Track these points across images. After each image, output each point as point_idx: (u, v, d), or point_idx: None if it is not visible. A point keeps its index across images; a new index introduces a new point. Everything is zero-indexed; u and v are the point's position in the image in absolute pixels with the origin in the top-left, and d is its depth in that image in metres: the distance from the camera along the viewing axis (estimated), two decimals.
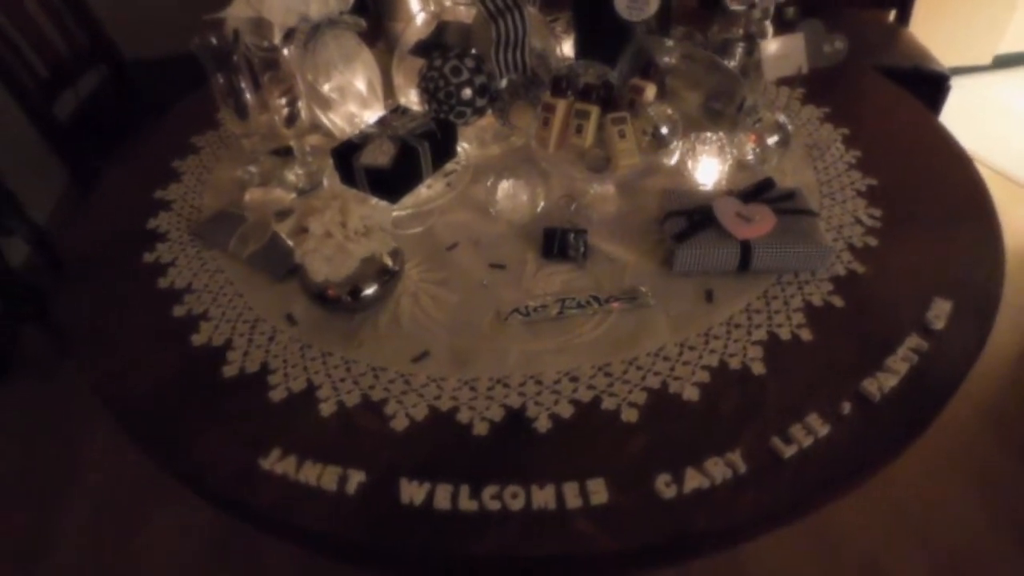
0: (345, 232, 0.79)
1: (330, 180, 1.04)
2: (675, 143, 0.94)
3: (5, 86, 1.77)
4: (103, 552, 1.46)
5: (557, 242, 0.92)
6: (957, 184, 1.02)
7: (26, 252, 2.11)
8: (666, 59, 1.04)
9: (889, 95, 1.23)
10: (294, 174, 1.08)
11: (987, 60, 2.65)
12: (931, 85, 1.87)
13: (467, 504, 0.68)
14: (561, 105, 0.93)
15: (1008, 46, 2.62)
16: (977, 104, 2.56)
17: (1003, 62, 2.67)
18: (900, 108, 1.20)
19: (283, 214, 0.92)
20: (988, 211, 0.97)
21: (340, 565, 0.81)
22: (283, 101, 1.04)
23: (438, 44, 1.02)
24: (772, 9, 1.04)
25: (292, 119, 1.05)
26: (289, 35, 1.03)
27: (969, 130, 2.33)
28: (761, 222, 0.88)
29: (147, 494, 1.55)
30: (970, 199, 0.99)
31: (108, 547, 1.47)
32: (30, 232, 2.00)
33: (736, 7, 1.03)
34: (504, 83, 1.01)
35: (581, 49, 1.11)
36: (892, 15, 2.11)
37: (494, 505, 0.68)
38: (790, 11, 1.22)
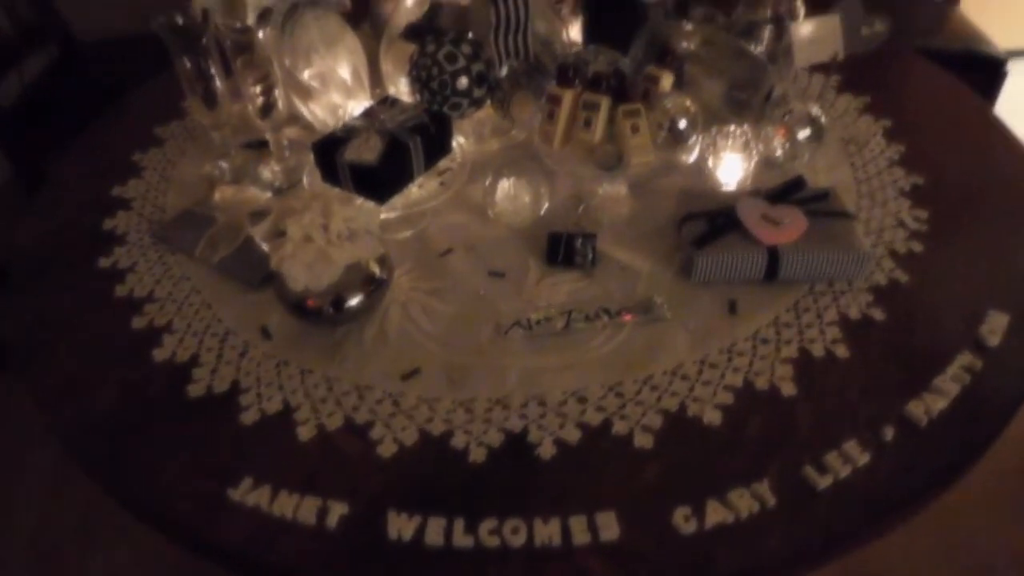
0: (327, 236, 0.81)
1: (310, 178, 1.06)
2: (694, 138, 0.96)
3: None
4: None
5: (563, 248, 0.93)
6: (1014, 182, 1.04)
7: None
8: (684, 44, 1.06)
9: (937, 82, 1.26)
10: (270, 171, 1.10)
11: None
12: (985, 70, 1.90)
13: (462, 540, 0.69)
14: (567, 96, 0.95)
15: None
16: None
17: None
18: (949, 97, 1.22)
19: (258, 215, 0.93)
20: None
21: None
22: (257, 89, 1.06)
23: (431, 27, 1.05)
24: None
25: (268, 109, 1.07)
26: (264, 15, 1.05)
27: None
28: (790, 226, 0.89)
29: (93, 535, 1.55)
30: None
31: None
32: None
33: None
34: (504, 71, 1.03)
35: (590, 33, 1.13)
36: None
37: (492, 541, 0.69)
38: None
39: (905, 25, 1.95)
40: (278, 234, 0.82)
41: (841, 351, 0.83)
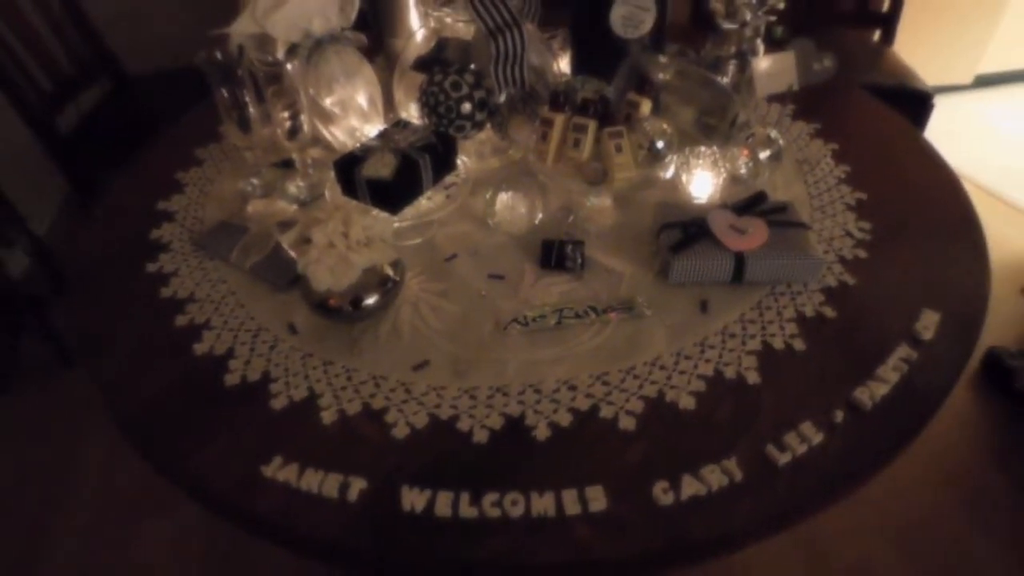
0: (347, 242, 0.79)
1: (331, 192, 1.04)
2: (670, 157, 0.94)
3: (8, 98, 1.77)
4: (96, 565, 1.44)
5: (555, 253, 0.92)
6: (943, 199, 1.03)
7: (25, 264, 2.09)
8: (660, 75, 1.04)
9: (876, 112, 1.25)
10: (295, 186, 1.08)
11: (969, 79, 2.68)
12: (915, 103, 1.89)
13: (467, 511, 0.67)
14: (559, 119, 0.94)
15: (988, 66, 2.66)
16: (960, 122, 2.59)
17: (984, 81, 2.70)
18: (887, 125, 1.21)
19: (285, 225, 0.91)
20: (974, 225, 0.98)
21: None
22: (286, 114, 1.04)
23: (438, 60, 1.03)
24: (763, 28, 1.05)
25: (294, 132, 1.05)
26: (292, 50, 1.04)
27: (952, 147, 2.34)
28: (754, 234, 0.88)
29: (141, 506, 1.53)
30: (956, 213, 1.00)
31: (102, 559, 1.45)
32: (30, 244, 2.00)
33: (728, 26, 1.04)
34: (503, 98, 1.02)
35: (578, 65, 1.12)
36: (877, 35, 2.14)
37: (494, 512, 0.67)
38: (779, 30, 1.23)
39: (848, 62, 1.95)
40: (304, 241, 0.80)
41: (798, 344, 0.82)
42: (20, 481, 1.62)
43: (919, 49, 2.32)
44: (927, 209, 1.01)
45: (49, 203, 2.41)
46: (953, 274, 0.90)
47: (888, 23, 2.07)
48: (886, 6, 2.07)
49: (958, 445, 1.58)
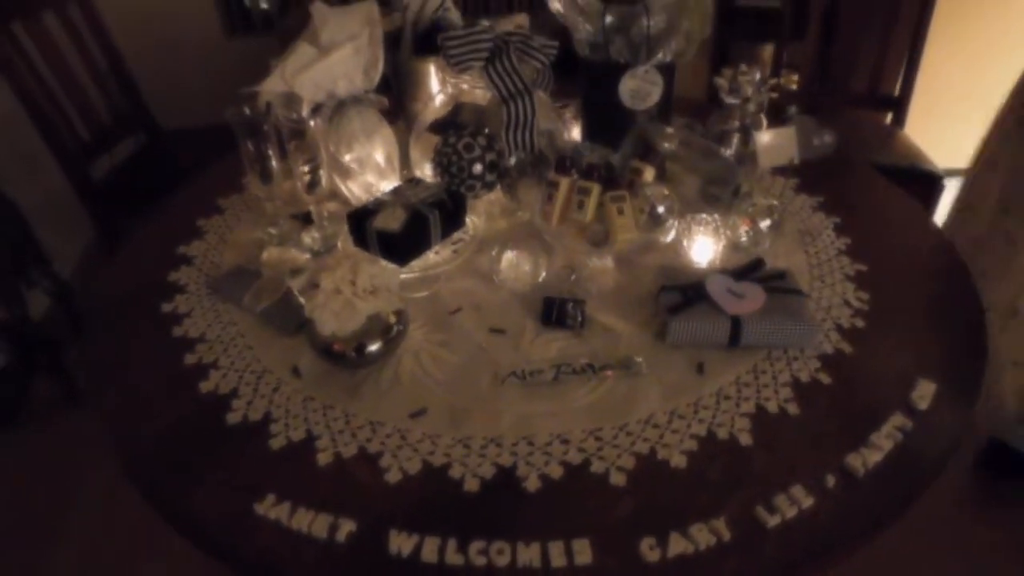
0: (354, 289, 0.83)
1: (344, 244, 1.09)
2: (671, 221, 0.98)
3: (48, 145, 1.87)
4: None
5: (556, 310, 0.95)
6: (941, 272, 1.05)
7: (47, 304, 2.16)
8: (666, 145, 1.09)
9: (879, 188, 1.28)
10: (311, 237, 1.13)
11: None
12: (925, 183, 1.93)
13: (453, 558, 0.68)
14: (564, 182, 0.98)
15: None
16: None
17: None
18: (890, 200, 1.25)
19: (297, 272, 0.96)
20: (973, 299, 0.99)
21: None
22: (306, 168, 1.10)
23: (453, 123, 1.09)
24: (765, 103, 1.11)
25: (313, 185, 1.11)
26: (317, 109, 1.10)
27: None
28: (751, 299, 0.91)
29: (136, 547, 1.53)
30: (956, 287, 1.02)
31: None
32: (53, 285, 2.07)
33: (731, 100, 1.09)
34: (513, 161, 1.07)
35: (588, 132, 1.17)
36: (889, 118, 2.20)
37: (480, 560, 0.68)
38: (791, 109, 1.29)
39: (859, 143, 2.02)
40: (313, 286, 0.84)
41: (792, 408, 0.83)
42: (18, 514, 1.63)
43: (931, 132, 2.37)
44: (925, 282, 1.04)
45: (75, 247, 2.50)
46: (951, 346, 0.92)
47: (899, 106, 2.14)
48: (897, 89, 2.13)
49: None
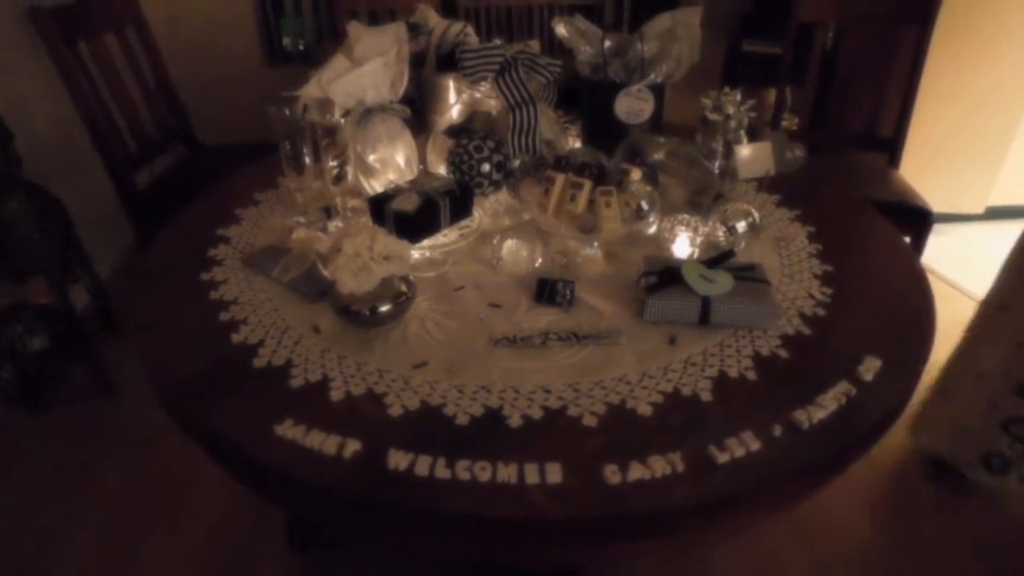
0: (371, 254, 0.97)
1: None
2: (653, 216, 1.11)
3: (99, 152, 2.06)
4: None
5: (547, 289, 1.08)
6: (904, 276, 1.17)
7: (86, 301, 2.32)
8: (656, 156, 1.24)
9: (853, 205, 1.41)
10: (335, 226, 1.28)
11: (980, 210, 2.85)
12: (916, 220, 2.05)
13: (442, 472, 0.80)
14: (560, 178, 1.12)
15: (999, 199, 2.83)
16: (970, 249, 2.74)
17: (996, 214, 2.86)
18: (863, 215, 1.37)
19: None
20: (927, 299, 1.11)
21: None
22: (335, 163, 1.26)
23: (466, 128, 1.24)
24: (746, 121, 1.25)
25: (339, 179, 1.26)
26: (347, 113, 1.27)
27: (962, 271, 2.50)
28: (720, 284, 1.03)
29: (145, 532, 1.64)
30: (912, 288, 1.13)
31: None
32: (92, 283, 2.24)
33: (713, 117, 1.23)
34: (517, 163, 1.21)
35: (586, 141, 1.32)
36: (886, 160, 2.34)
37: (465, 476, 0.80)
38: (796, 151, 1.40)
39: (853, 179, 2.15)
40: (336, 250, 0.98)
41: (751, 375, 0.95)
42: (40, 490, 1.75)
43: (928, 177, 2.51)
44: (886, 282, 1.15)
45: (115, 252, 2.68)
46: (899, 332, 1.03)
47: (893, 148, 2.27)
48: (892, 132, 2.27)
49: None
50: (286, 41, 3.03)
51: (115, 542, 1.62)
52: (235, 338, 1.03)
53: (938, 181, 2.64)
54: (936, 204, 2.08)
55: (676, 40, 1.23)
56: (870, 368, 0.95)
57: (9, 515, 1.69)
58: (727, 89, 1.24)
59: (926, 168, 2.53)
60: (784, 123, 2.36)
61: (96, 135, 2.05)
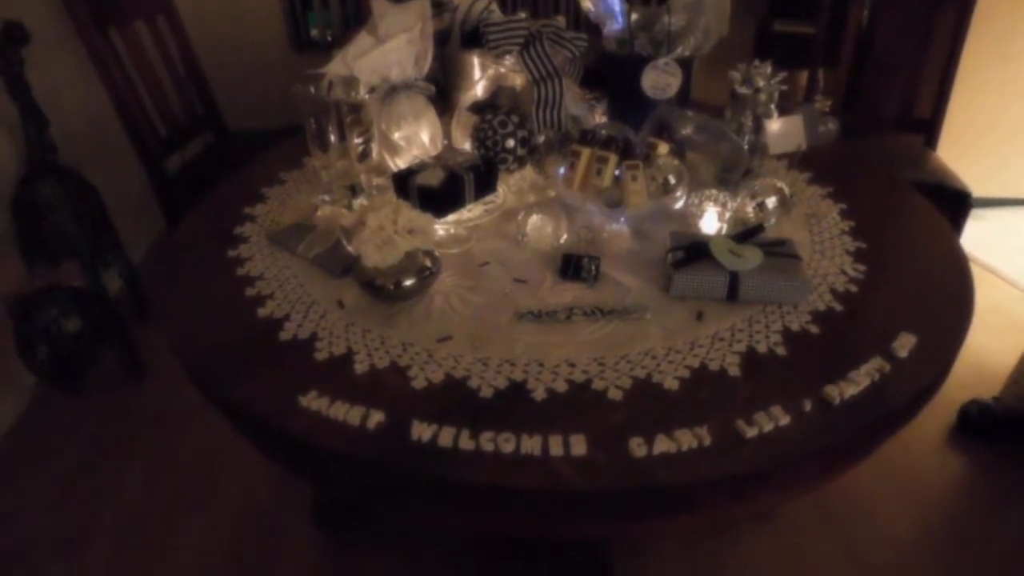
0: (395, 227, 0.96)
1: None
2: (680, 191, 1.09)
3: (130, 138, 2.09)
4: (129, 564, 1.56)
5: (573, 265, 1.07)
6: (941, 253, 1.14)
7: (119, 286, 2.36)
8: (684, 131, 1.21)
9: (888, 182, 1.37)
10: (360, 204, 1.28)
11: (1022, 194, 2.76)
12: (954, 201, 1.99)
13: (466, 444, 0.79)
14: (586, 152, 1.11)
15: None
16: (1011, 234, 2.66)
17: None
18: (898, 193, 1.34)
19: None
20: (965, 276, 1.07)
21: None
22: (359, 140, 1.26)
23: (491, 104, 1.23)
24: (776, 94, 1.22)
25: (364, 156, 1.26)
26: (372, 91, 1.26)
27: (1000, 255, 2.43)
28: (750, 258, 1.01)
29: (174, 512, 1.66)
30: (950, 265, 1.10)
31: (135, 561, 1.57)
32: (124, 268, 2.28)
33: (743, 91, 1.21)
34: (542, 138, 1.20)
35: (612, 118, 1.30)
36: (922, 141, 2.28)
37: (489, 447, 0.79)
38: (831, 125, 1.36)
39: (888, 160, 2.10)
40: (360, 224, 0.98)
41: (780, 350, 0.93)
42: (74, 471, 1.79)
43: (968, 160, 2.43)
44: (924, 261, 1.12)
45: (146, 237, 2.72)
46: (936, 309, 1.00)
47: (931, 130, 2.21)
48: (929, 114, 2.21)
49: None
50: (314, 33, 3.04)
51: (146, 520, 1.65)
52: (261, 312, 1.03)
53: (978, 165, 2.56)
54: (975, 188, 2.03)
55: (704, 12, 1.20)
56: (905, 344, 0.92)
57: (45, 492, 1.73)
58: (757, 62, 1.21)
59: (966, 152, 2.46)
60: (816, 106, 2.30)
61: (127, 121, 2.08)
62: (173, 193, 2.25)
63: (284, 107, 1.44)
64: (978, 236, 2.55)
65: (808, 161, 1.36)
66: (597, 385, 0.88)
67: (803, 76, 2.49)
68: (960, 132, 2.47)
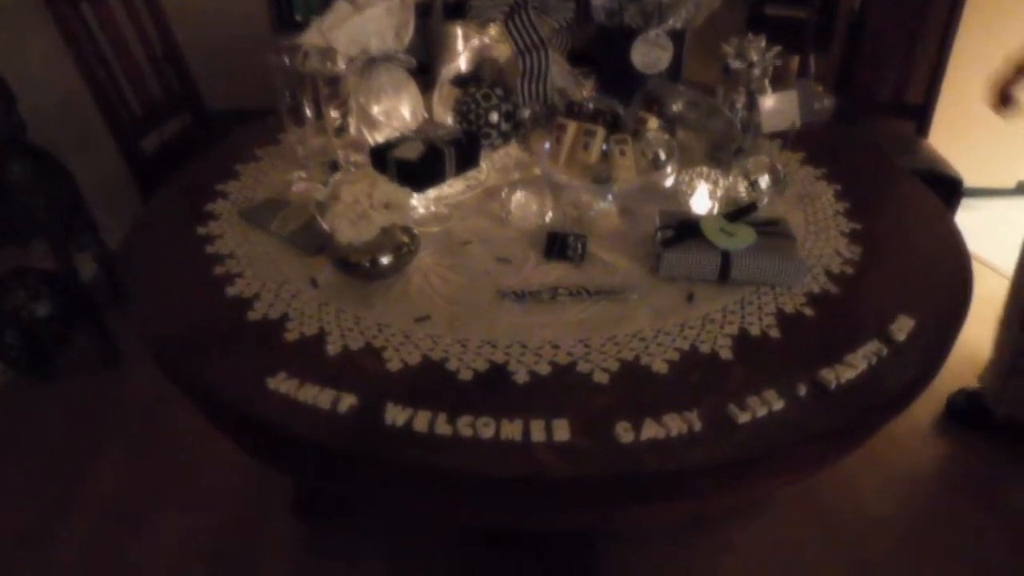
0: (370, 201, 0.91)
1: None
2: (670, 167, 1.05)
3: (104, 118, 2.01)
4: (103, 555, 1.51)
5: (558, 243, 1.02)
6: (938, 236, 1.10)
7: (94, 270, 2.29)
8: (675, 107, 1.17)
9: (882, 163, 1.33)
10: (335, 179, 1.22)
11: (1011, 184, 2.74)
12: (945, 188, 1.96)
13: (443, 428, 0.75)
14: (572, 126, 1.06)
15: None
16: (1001, 223, 2.64)
17: None
18: (892, 173, 1.30)
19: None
20: (963, 258, 1.03)
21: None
22: (336, 115, 1.20)
23: (474, 77, 1.18)
24: (770, 69, 1.17)
25: (341, 130, 1.20)
26: (350, 62, 1.20)
27: (990, 244, 2.41)
28: (742, 237, 0.97)
29: (151, 503, 1.60)
30: (947, 247, 1.06)
31: (109, 551, 1.51)
32: (100, 252, 2.20)
33: (736, 64, 1.16)
34: (527, 113, 1.15)
35: (601, 92, 1.25)
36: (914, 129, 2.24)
37: (467, 432, 0.74)
38: (826, 102, 1.32)
39: (880, 144, 2.06)
40: (334, 198, 0.92)
41: (774, 333, 0.89)
42: (41, 465, 1.72)
43: (958, 149, 2.40)
44: (921, 242, 1.08)
45: (123, 220, 2.63)
46: (935, 291, 0.96)
47: (922, 115, 2.18)
48: (921, 99, 2.18)
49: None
50: (298, 17, 2.97)
51: (120, 511, 1.59)
52: (230, 291, 0.98)
53: (968, 154, 2.51)
54: (966, 178, 2.00)
55: None
56: (903, 327, 0.88)
57: (16, 482, 1.67)
58: (750, 35, 1.17)
59: (957, 140, 2.42)
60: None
61: (101, 100, 2.00)
62: (150, 174, 2.18)
63: (265, 87, 1.38)
64: (968, 226, 2.52)
65: (801, 141, 1.32)
66: (582, 368, 0.83)
67: (794, 61, 2.45)
68: (951, 121, 2.44)
